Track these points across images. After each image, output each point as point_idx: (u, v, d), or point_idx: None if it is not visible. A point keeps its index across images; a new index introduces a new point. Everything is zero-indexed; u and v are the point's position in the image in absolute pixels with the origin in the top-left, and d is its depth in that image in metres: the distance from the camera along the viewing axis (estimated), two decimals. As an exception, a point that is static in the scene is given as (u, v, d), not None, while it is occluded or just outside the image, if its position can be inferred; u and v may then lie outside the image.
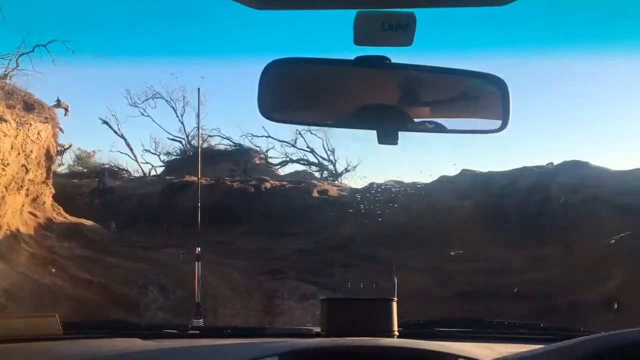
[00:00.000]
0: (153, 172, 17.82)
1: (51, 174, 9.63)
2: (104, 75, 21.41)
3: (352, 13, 0.84)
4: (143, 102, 17.52)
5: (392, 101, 1.01)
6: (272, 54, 1.00)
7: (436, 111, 1.04)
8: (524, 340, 1.45)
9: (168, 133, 17.92)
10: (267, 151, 17.56)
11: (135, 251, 9.48)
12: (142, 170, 17.90)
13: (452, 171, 11.18)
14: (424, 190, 10.62)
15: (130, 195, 13.48)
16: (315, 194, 12.07)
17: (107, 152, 18.36)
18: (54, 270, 7.58)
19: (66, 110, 11.31)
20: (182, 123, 17.65)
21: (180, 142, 17.88)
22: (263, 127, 16.86)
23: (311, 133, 16.93)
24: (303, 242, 9.93)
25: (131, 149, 17.82)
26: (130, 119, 17.89)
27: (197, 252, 5.33)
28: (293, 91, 1.04)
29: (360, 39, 0.87)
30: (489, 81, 1.02)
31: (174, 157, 17.97)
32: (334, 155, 17.09)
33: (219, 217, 9.99)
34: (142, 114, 17.59)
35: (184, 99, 17.28)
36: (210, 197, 9.85)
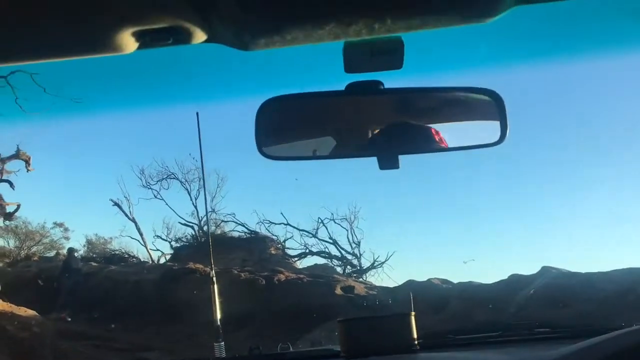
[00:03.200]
0: (163, 260, 18.06)
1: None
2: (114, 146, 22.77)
3: (340, 43, 1.00)
4: (157, 182, 18.30)
5: (390, 125, 1.14)
6: (267, 93, 1.17)
7: (434, 131, 1.16)
8: (544, 341, 1.55)
9: (180, 217, 18.30)
10: (284, 241, 17.69)
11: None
12: (151, 258, 18.23)
13: (525, 266, 10.74)
14: (492, 293, 9.97)
15: (123, 282, 13.59)
16: (338, 290, 11.87)
17: (117, 236, 18.97)
18: None
19: (27, 162, 11.18)
20: (196, 207, 18.04)
21: (192, 227, 18.21)
22: (282, 213, 17.30)
23: (335, 222, 17.20)
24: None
25: (141, 234, 18.35)
26: (142, 201, 18.43)
27: (212, 275, 6.38)
28: (289, 128, 1.19)
29: (350, 66, 1.03)
30: (484, 95, 1.14)
31: (183, 244, 18.28)
32: (359, 248, 17.07)
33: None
34: (156, 197, 18.26)
35: (199, 181, 17.68)
36: (208, 290, 9.67)
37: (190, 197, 18.15)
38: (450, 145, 1.17)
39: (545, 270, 10.33)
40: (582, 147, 21.72)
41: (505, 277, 10.84)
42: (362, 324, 1.60)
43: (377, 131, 1.13)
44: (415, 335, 1.49)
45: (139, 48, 0.85)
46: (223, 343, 5.82)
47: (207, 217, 13.10)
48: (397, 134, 1.13)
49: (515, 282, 10.26)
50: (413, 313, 1.51)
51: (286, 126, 1.19)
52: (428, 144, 1.15)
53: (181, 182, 18.14)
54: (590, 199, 21.14)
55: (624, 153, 21.14)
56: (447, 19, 0.89)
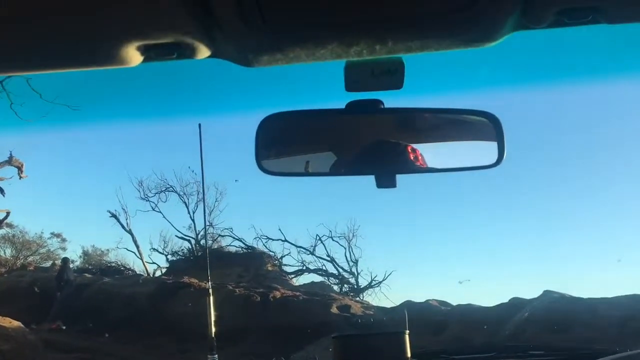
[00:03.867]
0: (159, 273, 18.02)
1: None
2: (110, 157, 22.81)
3: (342, 63, 1.03)
4: (155, 194, 18.30)
5: (388, 144, 1.16)
6: (268, 108, 1.20)
7: (432, 151, 1.19)
8: None
9: (177, 230, 18.33)
10: (282, 257, 17.70)
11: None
12: (147, 271, 18.20)
13: (527, 290, 10.74)
14: (492, 316, 9.89)
15: (117, 294, 13.51)
16: (334, 309, 11.80)
17: (113, 248, 19.06)
18: None
19: (20, 169, 11.00)
20: (193, 220, 18.07)
21: (189, 241, 18.20)
22: (279, 229, 17.29)
23: (333, 240, 17.18)
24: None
25: (137, 247, 18.34)
26: (140, 213, 18.41)
27: (208, 287, 6.55)
28: (289, 144, 1.22)
29: (351, 85, 1.06)
30: (482, 117, 1.17)
31: (179, 257, 18.25)
32: (356, 266, 17.04)
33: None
34: (153, 209, 18.25)
35: (197, 194, 17.77)
36: (202, 305, 9.59)
37: (188, 211, 18.16)
38: (448, 167, 1.20)
39: (547, 294, 10.28)
40: (586, 168, 21.72)
41: (506, 300, 10.81)
42: (356, 340, 1.64)
43: (375, 150, 1.16)
44: (408, 354, 1.51)
45: (143, 61, 0.87)
46: (217, 356, 5.94)
47: (205, 229, 13.07)
48: (395, 154, 1.15)
49: (516, 306, 10.20)
50: (407, 332, 1.53)
51: (286, 142, 1.22)
52: (425, 164, 1.17)
53: (179, 195, 18.17)
54: (595, 222, 21.10)
55: (630, 174, 21.09)
56: (447, 43, 0.91)
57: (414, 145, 1.18)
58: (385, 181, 1.13)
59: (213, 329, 6.20)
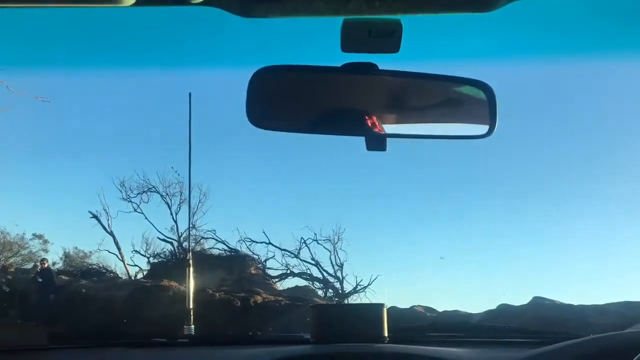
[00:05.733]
0: (140, 276, 17.72)
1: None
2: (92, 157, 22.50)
3: (339, 20, 1.01)
4: (137, 195, 17.98)
5: (380, 107, 1.18)
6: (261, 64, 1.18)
7: (424, 117, 1.21)
8: (513, 345, 1.63)
9: (159, 232, 18.04)
10: (266, 260, 17.52)
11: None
12: (128, 273, 17.88)
13: (515, 296, 10.82)
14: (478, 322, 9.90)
15: (92, 297, 13.30)
16: (317, 315, 11.76)
17: (95, 250, 18.62)
18: None
19: None
20: (176, 222, 17.84)
21: (171, 243, 17.95)
22: (264, 232, 17.13)
23: (318, 243, 17.08)
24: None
25: (119, 249, 17.99)
26: (121, 214, 17.97)
27: (188, 257, 6.75)
28: (281, 98, 1.22)
29: (347, 46, 1.06)
30: (476, 87, 1.18)
31: (161, 260, 18.01)
32: (342, 271, 16.95)
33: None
34: (135, 210, 17.92)
35: (180, 195, 17.63)
36: (179, 309, 9.43)
37: (171, 212, 17.94)
38: (439, 134, 1.21)
39: (536, 300, 10.34)
40: (579, 164, 21.81)
41: (494, 306, 10.87)
42: (333, 310, 1.73)
43: (367, 112, 1.16)
44: (385, 327, 1.53)
45: (136, 4, 0.84)
46: (193, 327, 6.13)
47: (189, 218, 12.53)
48: (386, 117, 1.17)
49: (504, 312, 10.26)
50: (385, 305, 1.57)
51: (278, 96, 1.21)
52: (416, 129, 1.19)
53: (162, 195, 17.94)
54: (587, 227, 21.27)
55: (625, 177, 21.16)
56: (447, 5, 0.90)
57: (407, 110, 1.20)
58: (375, 144, 1.14)
59: (191, 301, 6.49)
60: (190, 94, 7.70)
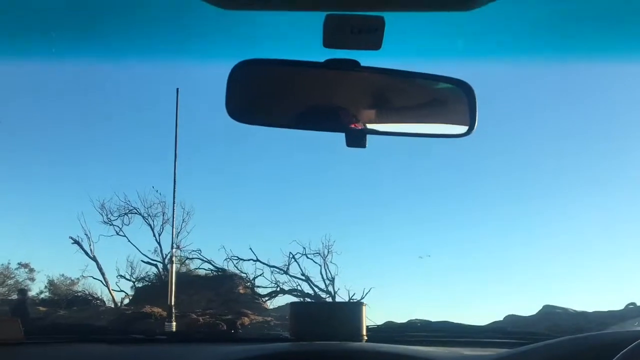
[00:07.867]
0: (127, 301, 17.50)
1: None
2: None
3: (322, 15, 1.04)
4: (118, 217, 17.70)
5: (361, 104, 1.21)
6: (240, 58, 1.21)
7: (404, 115, 1.25)
8: (491, 345, 1.66)
9: (143, 255, 17.81)
10: (254, 278, 17.22)
11: None
12: (114, 300, 17.62)
13: (524, 306, 10.52)
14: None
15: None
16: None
17: (81, 277, 18.26)
18: None
19: None
20: (159, 243, 17.56)
21: (155, 265, 17.73)
22: (250, 248, 16.85)
23: (307, 257, 16.87)
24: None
25: (103, 274, 17.64)
26: (103, 238, 17.62)
27: (172, 255, 7.32)
28: (261, 93, 1.24)
29: (329, 41, 1.09)
30: (456, 86, 1.22)
31: (145, 283, 17.77)
32: (333, 285, 16.82)
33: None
34: (118, 233, 17.67)
35: (162, 215, 17.45)
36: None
37: (154, 233, 17.68)
38: (419, 132, 1.24)
39: (547, 309, 10.12)
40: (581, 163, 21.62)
41: (500, 318, 10.73)
42: (312, 308, 1.76)
43: (347, 108, 1.19)
44: (364, 326, 1.57)
45: None
46: (174, 323, 6.49)
47: (172, 233, 12.31)
48: (367, 114, 1.20)
49: (511, 325, 10.14)
50: (365, 303, 1.61)
51: (259, 91, 1.24)
52: (396, 127, 1.22)
53: (144, 217, 17.70)
54: (595, 228, 20.98)
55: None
56: (428, 3, 0.95)
57: (388, 107, 1.23)
58: (355, 140, 1.17)
59: (173, 299, 6.76)
60: (177, 90, 7.49)
